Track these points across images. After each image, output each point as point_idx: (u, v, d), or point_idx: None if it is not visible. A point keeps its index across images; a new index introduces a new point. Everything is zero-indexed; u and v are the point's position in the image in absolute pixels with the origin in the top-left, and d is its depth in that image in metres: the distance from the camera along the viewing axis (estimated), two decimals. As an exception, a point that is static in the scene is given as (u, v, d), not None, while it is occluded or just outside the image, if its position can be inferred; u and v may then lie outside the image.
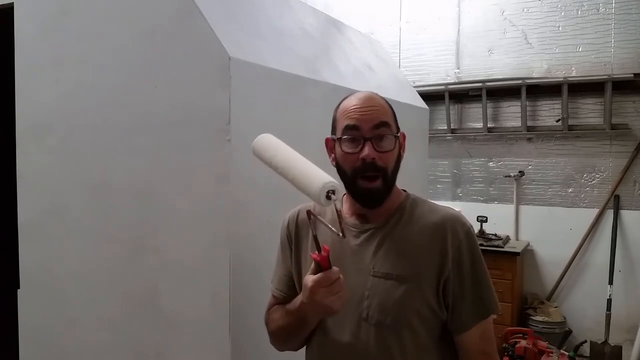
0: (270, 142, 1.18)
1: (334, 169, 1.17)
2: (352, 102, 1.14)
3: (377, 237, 1.14)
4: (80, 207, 1.69)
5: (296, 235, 1.26)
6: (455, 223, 1.12)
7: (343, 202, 1.22)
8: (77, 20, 1.68)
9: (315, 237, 1.03)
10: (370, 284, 1.10)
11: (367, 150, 1.09)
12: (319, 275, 1.00)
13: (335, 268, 1.01)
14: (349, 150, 1.11)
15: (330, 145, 1.20)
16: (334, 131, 1.18)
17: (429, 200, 1.23)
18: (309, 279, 1.02)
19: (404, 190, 1.22)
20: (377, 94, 1.18)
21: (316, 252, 1.01)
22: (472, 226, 1.15)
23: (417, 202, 1.19)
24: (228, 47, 1.41)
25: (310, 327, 1.17)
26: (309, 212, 1.13)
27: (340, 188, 1.05)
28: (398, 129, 1.17)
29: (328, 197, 1.00)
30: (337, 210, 1.03)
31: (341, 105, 1.18)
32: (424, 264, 1.10)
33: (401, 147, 1.18)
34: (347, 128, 1.12)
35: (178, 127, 1.49)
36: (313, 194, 1.01)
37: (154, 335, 1.56)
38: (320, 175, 1.03)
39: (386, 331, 1.08)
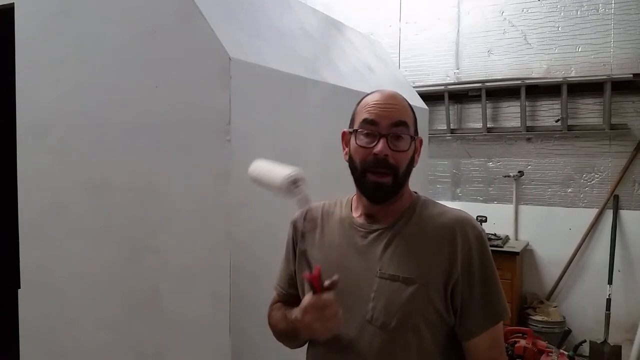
0: (255, 166, 1.19)
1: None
2: (374, 98, 1.14)
3: (385, 237, 1.11)
4: (80, 207, 1.70)
5: (302, 234, 1.25)
6: (466, 226, 1.09)
7: (353, 203, 1.22)
8: (77, 20, 1.69)
9: (304, 253, 1.02)
10: (376, 286, 1.08)
11: (380, 146, 1.07)
12: (313, 297, 1.01)
13: (329, 295, 1.00)
14: (363, 144, 1.10)
15: (345, 138, 1.19)
16: (351, 124, 1.17)
17: (439, 202, 1.21)
18: (306, 299, 1.03)
19: (415, 192, 1.20)
20: (400, 95, 1.17)
21: (308, 271, 1.02)
22: (483, 230, 1.13)
23: (427, 204, 1.17)
24: (228, 47, 1.41)
25: (303, 341, 1.19)
26: (294, 225, 1.12)
27: (306, 176, 1.05)
28: (416, 132, 1.15)
29: (297, 187, 1.02)
30: (302, 199, 1.03)
31: (363, 100, 1.17)
32: (432, 267, 1.07)
33: (416, 151, 1.16)
34: (365, 122, 1.11)
35: (178, 127, 1.49)
36: (280, 187, 1.03)
37: (154, 335, 1.56)
38: (284, 168, 1.05)
39: (391, 334, 1.06)
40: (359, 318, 1.09)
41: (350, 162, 1.15)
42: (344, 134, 1.20)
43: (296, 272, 1.24)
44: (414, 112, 1.17)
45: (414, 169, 1.17)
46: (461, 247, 1.07)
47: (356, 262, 1.12)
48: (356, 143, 1.12)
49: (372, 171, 1.09)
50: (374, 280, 1.09)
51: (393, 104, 1.12)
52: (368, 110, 1.12)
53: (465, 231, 1.08)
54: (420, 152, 1.18)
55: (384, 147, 1.08)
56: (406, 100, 1.17)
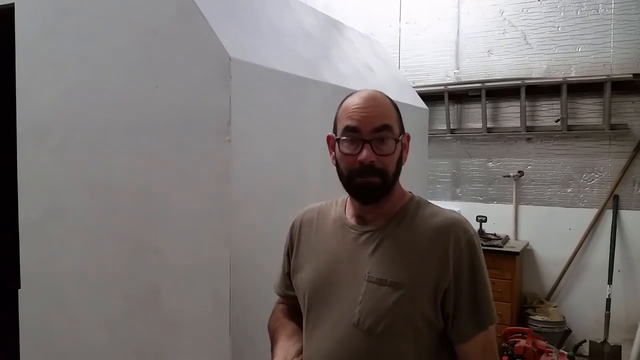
0: None
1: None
2: (354, 102, 1.09)
3: (375, 240, 1.09)
4: (80, 207, 1.70)
5: (299, 235, 1.25)
6: (458, 230, 1.06)
7: (346, 205, 1.20)
8: (77, 20, 1.69)
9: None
10: (364, 289, 1.06)
11: (365, 154, 1.05)
12: None
13: None
14: (347, 152, 1.08)
15: (331, 142, 1.16)
16: (335, 130, 1.14)
17: (433, 203, 1.18)
18: None
19: (410, 192, 1.18)
20: (381, 93, 1.13)
21: None
22: (476, 233, 1.10)
23: (420, 205, 1.14)
24: (228, 47, 1.41)
25: None
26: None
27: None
28: (402, 130, 1.12)
29: None
30: None
31: (343, 104, 1.13)
32: (422, 271, 1.05)
33: (404, 149, 1.13)
34: (347, 129, 1.08)
35: (178, 127, 1.49)
36: None
37: (154, 335, 1.56)
38: None
39: (377, 339, 1.04)
40: (345, 322, 1.07)
41: (337, 167, 1.13)
42: (328, 137, 1.17)
43: (290, 274, 1.24)
44: (397, 109, 1.13)
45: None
46: (453, 252, 1.04)
47: (346, 264, 1.11)
48: (340, 150, 1.10)
49: (360, 177, 1.07)
50: (362, 283, 1.07)
51: (374, 106, 1.08)
52: (349, 116, 1.08)
53: (458, 235, 1.06)
54: (408, 147, 1.15)
55: (368, 154, 1.05)
56: (388, 98, 1.13)
